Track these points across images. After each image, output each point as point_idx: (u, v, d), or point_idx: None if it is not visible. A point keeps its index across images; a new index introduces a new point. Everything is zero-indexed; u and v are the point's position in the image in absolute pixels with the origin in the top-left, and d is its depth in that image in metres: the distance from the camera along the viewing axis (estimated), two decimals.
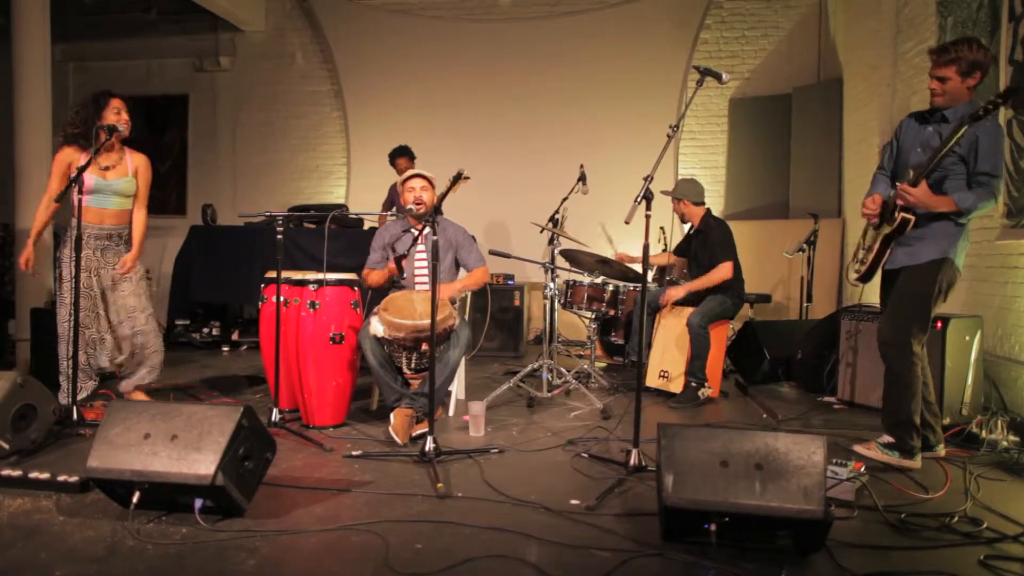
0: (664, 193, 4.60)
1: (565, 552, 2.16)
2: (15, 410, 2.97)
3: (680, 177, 4.90)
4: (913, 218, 2.96)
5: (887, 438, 3.15)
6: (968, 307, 4.04)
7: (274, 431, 3.12)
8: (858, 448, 3.22)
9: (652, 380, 4.61)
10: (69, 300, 3.55)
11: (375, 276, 3.93)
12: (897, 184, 3.03)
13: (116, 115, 3.67)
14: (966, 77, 2.90)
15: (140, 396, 3.86)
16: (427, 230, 3.16)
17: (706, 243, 4.55)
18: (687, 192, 4.62)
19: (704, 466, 2.15)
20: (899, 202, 2.96)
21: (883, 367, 3.11)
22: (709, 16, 7.39)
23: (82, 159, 3.59)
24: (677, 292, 4.50)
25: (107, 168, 3.70)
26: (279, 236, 3.42)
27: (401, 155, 6.24)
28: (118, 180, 3.72)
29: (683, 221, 4.79)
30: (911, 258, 3.03)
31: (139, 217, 3.87)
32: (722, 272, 4.43)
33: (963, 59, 2.87)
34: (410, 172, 3.94)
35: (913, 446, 3.05)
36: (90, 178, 3.61)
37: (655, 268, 5.04)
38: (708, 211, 4.67)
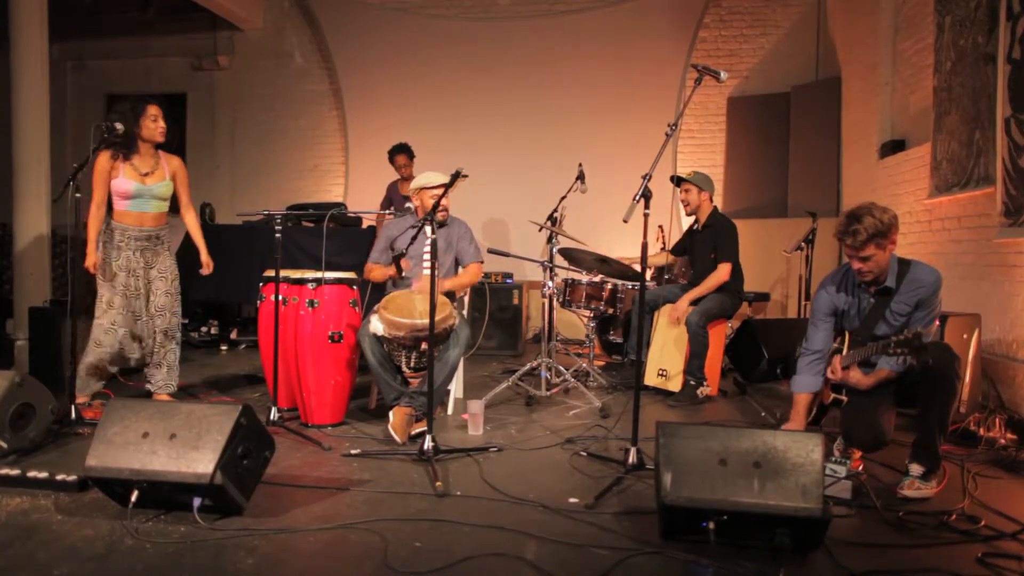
0: (683, 179, 4.58)
1: (564, 550, 2.16)
2: (13, 409, 2.97)
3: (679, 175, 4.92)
4: (846, 398, 2.99)
5: (920, 468, 2.74)
6: (966, 305, 4.04)
7: (273, 430, 3.11)
8: (908, 493, 2.69)
9: (651, 379, 4.60)
10: (106, 299, 3.68)
11: (376, 273, 3.92)
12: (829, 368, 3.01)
13: (153, 122, 3.73)
14: (885, 249, 2.78)
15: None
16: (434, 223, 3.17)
17: (713, 240, 4.55)
18: (706, 183, 4.61)
19: (702, 464, 2.15)
20: (831, 377, 2.97)
21: None
22: (708, 14, 7.39)
23: (116, 164, 3.67)
24: (683, 305, 4.44)
25: (146, 174, 3.76)
26: (277, 235, 3.43)
27: (400, 152, 6.22)
28: (157, 184, 3.79)
29: (688, 213, 4.76)
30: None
31: (191, 218, 4.06)
32: (721, 275, 4.44)
33: (876, 232, 2.72)
34: (435, 181, 3.77)
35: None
36: (130, 184, 3.70)
37: (654, 268, 5.01)
38: (715, 208, 4.67)
